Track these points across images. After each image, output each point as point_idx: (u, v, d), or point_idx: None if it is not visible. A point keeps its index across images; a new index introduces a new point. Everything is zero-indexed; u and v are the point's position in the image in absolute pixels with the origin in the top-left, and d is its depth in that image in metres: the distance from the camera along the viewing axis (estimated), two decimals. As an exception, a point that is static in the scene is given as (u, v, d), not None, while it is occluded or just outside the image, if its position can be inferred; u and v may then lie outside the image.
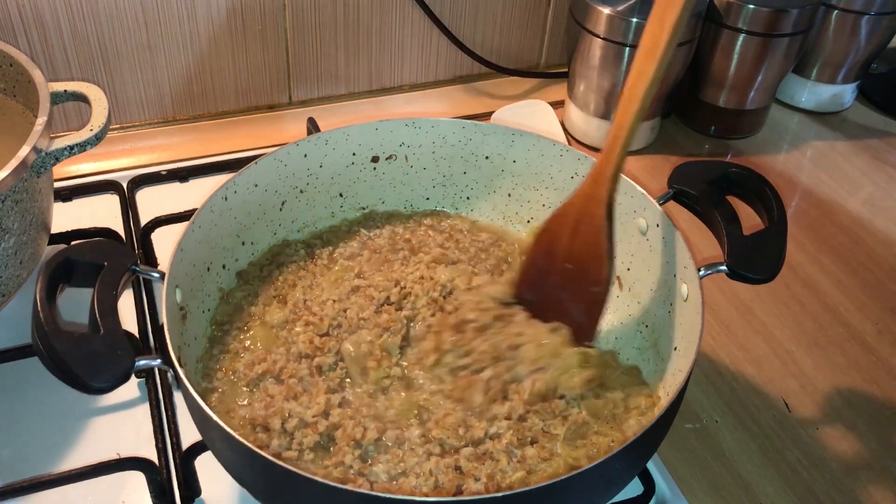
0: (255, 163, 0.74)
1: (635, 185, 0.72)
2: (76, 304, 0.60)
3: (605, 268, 0.67)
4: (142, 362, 0.55)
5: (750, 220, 0.68)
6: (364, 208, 0.83)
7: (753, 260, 0.64)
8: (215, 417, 0.52)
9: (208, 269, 0.71)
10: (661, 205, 0.70)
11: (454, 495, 0.58)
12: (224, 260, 0.73)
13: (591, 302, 0.68)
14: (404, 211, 0.84)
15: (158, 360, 0.56)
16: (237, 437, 0.52)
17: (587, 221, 0.67)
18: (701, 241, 0.84)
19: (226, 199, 0.71)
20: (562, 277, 0.69)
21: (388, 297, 0.71)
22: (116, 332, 0.55)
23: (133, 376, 0.72)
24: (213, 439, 0.57)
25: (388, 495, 0.50)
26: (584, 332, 0.68)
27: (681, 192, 0.70)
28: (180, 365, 0.56)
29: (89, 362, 0.52)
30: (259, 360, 0.67)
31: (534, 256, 0.72)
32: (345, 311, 0.70)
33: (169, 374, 0.57)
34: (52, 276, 0.57)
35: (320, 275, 0.75)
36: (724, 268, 0.64)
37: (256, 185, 0.75)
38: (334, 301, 0.71)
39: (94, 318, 0.55)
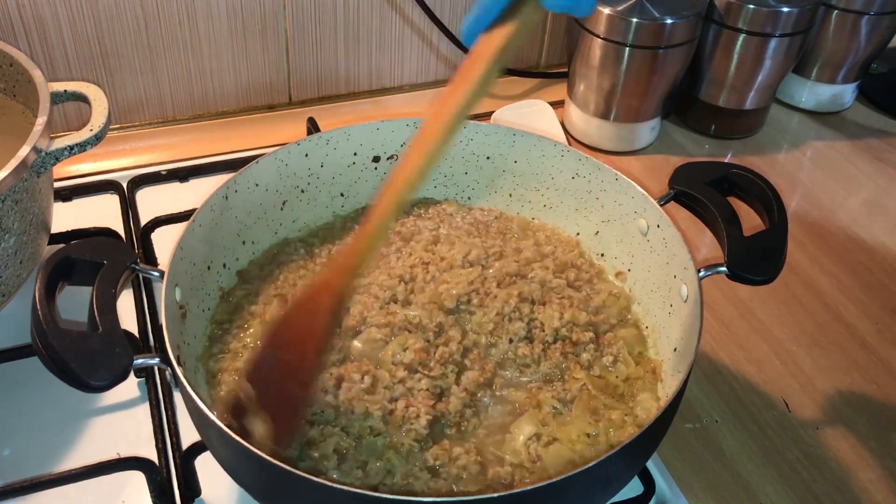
0: (256, 162, 0.74)
1: (636, 185, 0.72)
2: (75, 302, 0.60)
3: (312, 367, 0.58)
4: (140, 361, 0.55)
5: (750, 221, 0.68)
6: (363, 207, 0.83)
7: (754, 261, 0.64)
8: (213, 417, 0.52)
9: (208, 267, 0.71)
10: (661, 205, 0.70)
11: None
12: (224, 259, 0.73)
13: (289, 402, 0.58)
14: None
15: (157, 359, 0.56)
16: (235, 437, 0.52)
17: (317, 310, 0.58)
18: (701, 241, 0.84)
19: (226, 198, 0.71)
20: (279, 368, 0.59)
21: (393, 296, 0.71)
22: (115, 330, 0.55)
23: (133, 376, 0.73)
24: (211, 439, 0.57)
25: (387, 496, 0.50)
26: (276, 437, 0.57)
27: (681, 192, 0.70)
28: (179, 364, 0.56)
29: (88, 360, 0.52)
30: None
31: (265, 343, 0.60)
32: (348, 309, 0.70)
33: (168, 373, 0.57)
34: (52, 275, 0.57)
35: (320, 274, 0.75)
36: (724, 269, 0.64)
37: (257, 185, 0.75)
38: None
39: (93, 316, 0.55)
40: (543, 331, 0.69)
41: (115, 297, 0.57)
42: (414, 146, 0.56)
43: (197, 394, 0.54)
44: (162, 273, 0.61)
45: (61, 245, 0.82)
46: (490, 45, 0.55)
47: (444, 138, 0.56)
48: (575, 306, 0.71)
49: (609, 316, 0.73)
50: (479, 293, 0.71)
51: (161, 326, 0.58)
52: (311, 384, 0.59)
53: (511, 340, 0.68)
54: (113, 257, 0.60)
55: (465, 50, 1.10)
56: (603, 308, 0.73)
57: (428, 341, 0.67)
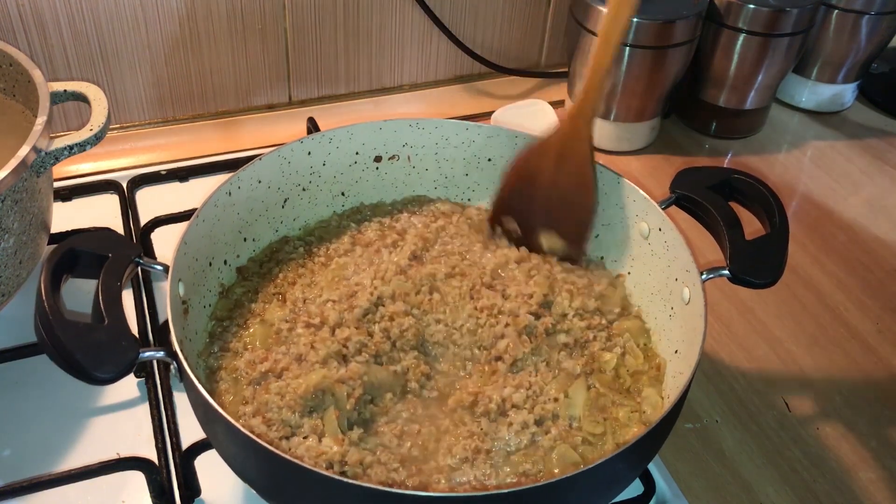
0: (259, 159, 0.74)
1: (638, 189, 0.72)
2: (76, 297, 0.60)
3: (592, 196, 0.74)
4: (146, 354, 0.54)
5: (752, 224, 0.68)
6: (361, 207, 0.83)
7: (755, 265, 0.64)
8: (220, 410, 0.52)
9: (210, 263, 0.71)
10: (663, 209, 0.70)
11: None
12: (225, 255, 0.73)
13: (577, 227, 0.75)
14: (387, 201, 0.84)
15: (162, 352, 0.56)
16: (243, 429, 0.51)
17: (571, 157, 0.73)
18: (702, 243, 0.84)
19: (229, 194, 0.71)
20: (545, 205, 0.75)
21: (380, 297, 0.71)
22: (121, 322, 0.54)
23: (133, 376, 0.73)
24: (216, 433, 0.57)
25: (393, 490, 0.50)
26: (570, 255, 0.76)
27: (683, 196, 0.70)
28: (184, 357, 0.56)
29: (94, 352, 0.52)
30: (260, 359, 0.67)
31: (513, 184, 0.77)
32: (349, 309, 0.70)
33: (172, 367, 0.57)
34: (57, 267, 0.57)
35: (319, 273, 0.75)
36: (726, 272, 0.64)
37: (260, 182, 0.75)
38: (333, 302, 0.71)
39: (98, 308, 0.55)
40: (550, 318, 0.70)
41: (120, 290, 0.57)
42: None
43: (203, 386, 0.54)
44: (166, 267, 0.61)
45: (61, 245, 0.83)
46: None
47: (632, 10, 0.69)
48: (583, 294, 0.72)
49: (613, 305, 0.73)
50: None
51: (163, 322, 0.58)
52: (595, 209, 0.75)
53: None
54: (117, 250, 0.60)
55: (465, 50, 1.10)
56: (605, 296, 0.74)
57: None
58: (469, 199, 0.84)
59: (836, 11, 1.08)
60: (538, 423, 0.63)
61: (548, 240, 0.76)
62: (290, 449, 0.59)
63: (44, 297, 0.54)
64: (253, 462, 0.55)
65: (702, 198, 0.69)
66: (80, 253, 0.59)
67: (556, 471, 0.60)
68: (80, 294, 0.59)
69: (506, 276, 0.74)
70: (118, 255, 0.59)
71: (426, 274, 0.72)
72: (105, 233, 0.66)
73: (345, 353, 0.66)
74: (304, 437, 0.60)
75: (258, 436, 0.56)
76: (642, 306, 0.74)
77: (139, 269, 0.62)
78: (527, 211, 0.76)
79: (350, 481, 0.50)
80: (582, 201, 0.74)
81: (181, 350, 0.56)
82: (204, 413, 0.56)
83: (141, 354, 0.54)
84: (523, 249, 0.76)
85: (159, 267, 0.62)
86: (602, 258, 0.78)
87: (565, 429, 0.63)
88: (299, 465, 0.50)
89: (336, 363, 0.65)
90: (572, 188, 0.74)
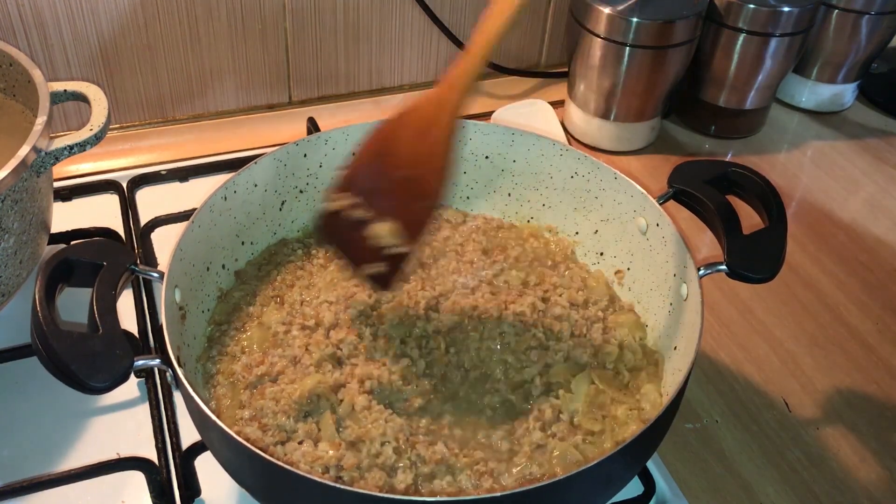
0: (255, 162, 0.74)
1: (635, 184, 0.72)
2: (75, 304, 0.60)
3: (439, 181, 0.61)
4: (140, 362, 0.54)
5: (750, 219, 0.68)
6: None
7: (753, 259, 0.64)
8: (214, 418, 0.52)
9: (207, 268, 0.71)
10: (660, 204, 0.70)
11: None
12: (224, 260, 0.73)
13: (417, 214, 0.62)
14: None
15: (157, 360, 0.56)
16: (236, 437, 0.52)
17: (430, 128, 0.61)
18: (701, 240, 0.84)
19: (225, 198, 0.71)
20: (393, 184, 0.63)
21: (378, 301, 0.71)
22: (115, 331, 0.55)
23: (133, 376, 0.73)
24: (212, 440, 0.57)
25: (388, 496, 0.50)
26: (408, 237, 0.63)
27: (681, 191, 0.70)
28: (179, 365, 0.56)
29: (88, 362, 0.52)
30: (257, 362, 0.67)
31: (366, 155, 0.65)
32: (345, 310, 0.70)
33: (168, 374, 0.57)
34: (52, 276, 0.57)
35: (317, 275, 0.75)
36: (723, 267, 0.64)
37: (256, 185, 0.75)
38: (330, 303, 0.71)
39: (93, 317, 0.55)
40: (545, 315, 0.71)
41: (115, 299, 0.57)
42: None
43: (198, 394, 0.54)
44: (161, 274, 0.61)
45: (61, 245, 0.83)
46: None
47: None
48: (570, 288, 0.73)
49: (600, 295, 0.74)
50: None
51: (161, 327, 0.58)
52: (440, 195, 0.62)
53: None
54: (112, 259, 0.60)
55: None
56: (589, 287, 0.75)
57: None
58: (468, 197, 0.84)
59: (836, 11, 1.08)
60: (542, 427, 0.63)
61: (380, 230, 0.63)
62: (285, 454, 0.60)
63: (38, 308, 0.54)
64: (248, 468, 0.55)
65: (699, 192, 0.68)
66: (74, 262, 0.59)
67: (557, 470, 0.60)
68: (80, 300, 0.59)
69: (502, 282, 0.75)
70: (113, 264, 0.59)
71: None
72: (100, 240, 0.66)
73: (339, 355, 0.66)
74: (300, 442, 0.60)
75: (253, 441, 0.56)
76: (641, 302, 0.74)
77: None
78: (370, 189, 0.64)
79: (344, 487, 0.50)
80: (429, 184, 0.62)
81: (177, 357, 0.56)
82: (199, 420, 0.56)
83: (136, 363, 0.54)
84: None
85: (155, 274, 0.62)
86: (602, 254, 0.78)
87: (566, 427, 0.63)
88: (293, 472, 0.50)
89: (331, 366, 0.65)
90: (421, 169, 0.62)
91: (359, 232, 0.64)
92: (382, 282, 0.65)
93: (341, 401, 0.63)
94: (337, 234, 0.66)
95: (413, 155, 0.62)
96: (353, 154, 0.66)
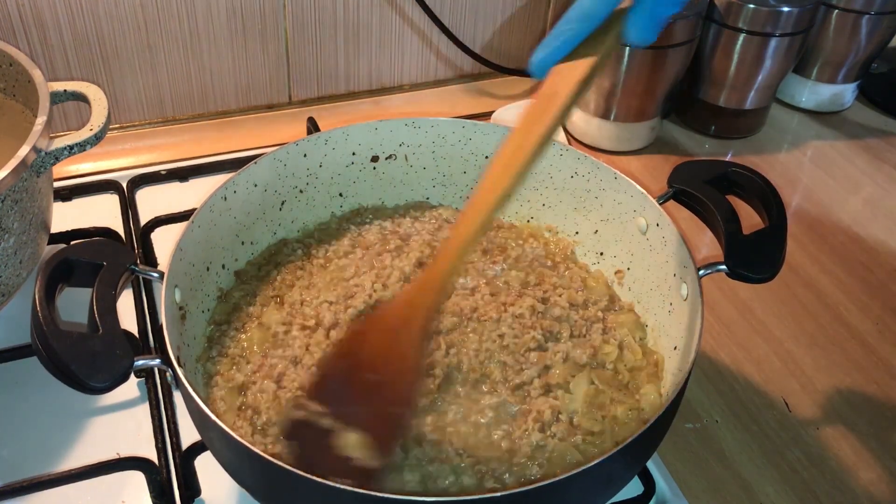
0: (255, 163, 0.74)
1: (635, 184, 0.72)
2: (75, 304, 0.60)
3: (412, 386, 0.58)
4: (140, 362, 0.54)
5: (750, 219, 0.68)
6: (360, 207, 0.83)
7: (753, 259, 0.64)
8: (214, 418, 0.52)
9: (207, 268, 0.71)
10: (660, 204, 0.70)
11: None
12: (223, 260, 0.73)
13: (388, 424, 0.57)
14: (389, 205, 0.84)
15: (158, 360, 0.56)
16: (236, 437, 0.52)
17: (402, 330, 0.58)
18: (701, 240, 0.84)
19: (225, 198, 0.71)
20: (364, 390, 0.58)
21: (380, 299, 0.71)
22: (115, 331, 0.55)
23: (133, 376, 0.73)
24: (212, 439, 0.57)
25: (388, 495, 0.49)
26: (378, 451, 0.56)
27: (680, 191, 0.70)
28: (179, 365, 0.56)
29: (88, 362, 0.52)
30: (257, 364, 0.67)
31: (337, 359, 0.61)
32: (345, 310, 0.70)
33: (168, 374, 0.57)
34: (51, 276, 0.57)
35: (317, 274, 0.75)
36: (723, 267, 0.64)
37: (256, 185, 0.75)
38: (330, 303, 0.71)
39: (93, 317, 0.55)
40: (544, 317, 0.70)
41: (114, 299, 0.57)
42: (497, 168, 0.55)
43: (198, 395, 0.54)
44: (161, 274, 0.61)
45: (61, 245, 0.83)
46: (569, 79, 0.54)
47: (529, 163, 0.54)
48: (569, 288, 0.73)
49: (599, 295, 0.74)
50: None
51: (161, 327, 0.58)
52: (414, 401, 0.59)
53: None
54: (112, 259, 0.60)
55: (465, 50, 1.10)
56: (588, 286, 0.75)
57: None
58: (468, 197, 0.84)
59: (836, 11, 1.08)
60: (542, 428, 0.63)
61: (350, 439, 0.56)
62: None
63: (38, 308, 0.54)
64: (248, 468, 0.55)
65: (699, 192, 0.68)
66: (74, 262, 0.59)
67: (557, 470, 0.60)
68: (81, 299, 0.59)
69: (502, 283, 0.75)
70: (113, 264, 0.59)
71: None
72: (100, 240, 0.66)
73: None
74: None
75: (252, 443, 0.56)
76: (641, 302, 0.74)
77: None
78: (340, 395, 0.58)
79: (344, 487, 0.50)
80: (400, 393, 0.57)
81: (177, 357, 0.56)
82: (200, 420, 0.56)
83: (136, 363, 0.54)
84: None
85: (155, 274, 0.62)
86: (602, 254, 0.78)
87: (566, 427, 0.63)
88: (293, 472, 0.50)
89: None
90: (392, 374, 0.57)
91: (326, 440, 0.57)
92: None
93: None
94: (302, 440, 0.58)
95: (385, 358, 0.58)
96: (325, 353, 0.64)
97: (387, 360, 0.58)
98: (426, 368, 0.61)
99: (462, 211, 0.57)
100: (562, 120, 0.55)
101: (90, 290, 0.57)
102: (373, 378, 0.58)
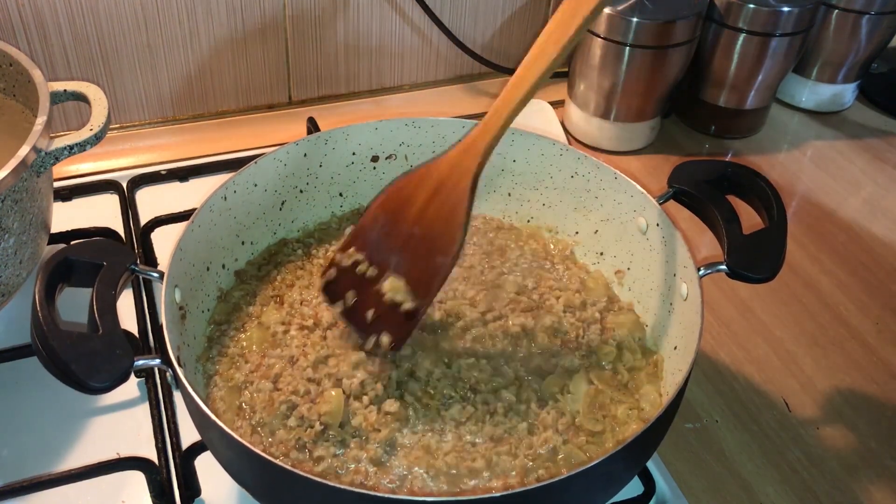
0: (255, 162, 0.74)
1: (635, 184, 0.72)
2: (75, 304, 0.60)
3: (458, 240, 0.63)
4: (140, 362, 0.54)
5: (750, 219, 0.68)
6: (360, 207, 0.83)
7: (753, 259, 0.64)
8: (214, 417, 0.52)
9: (207, 268, 0.71)
10: (660, 204, 0.70)
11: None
12: (224, 260, 0.73)
13: (432, 271, 0.64)
14: None
15: (158, 360, 0.56)
16: (236, 437, 0.52)
17: (448, 189, 0.64)
18: (701, 240, 0.84)
19: (225, 198, 0.71)
20: (406, 241, 0.65)
21: None
22: (115, 331, 0.55)
23: (133, 376, 0.73)
24: (211, 439, 0.57)
25: (388, 495, 0.50)
26: (412, 307, 0.64)
27: (680, 191, 0.70)
28: (179, 365, 0.56)
29: (88, 362, 0.52)
30: (255, 364, 0.67)
31: (379, 212, 0.67)
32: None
33: (168, 374, 0.57)
34: (51, 276, 0.57)
35: (317, 275, 0.75)
36: (723, 267, 0.64)
37: (256, 185, 0.75)
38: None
39: (93, 317, 0.55)
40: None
41: (114, 299, 0.57)
42: (543, 39, 0.62)
43: (198, 394, 0.54)
44: (161, 274, 0.61)
45: (61, 245, 0.83)
46: None
47: (575, 36, 0.60)
48: (567, 290, 0.73)
49: (598, 296, 0.74)
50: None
51: (161, 327, 0.58)
52: (457, 252, 0.63)
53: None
54: (112, 259, 0.60)
55: (465, 50, 1.10)
56: (587, 288, 0.75)
57: None
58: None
59: (836, 11, 1.08)
60: (543, 429, 0.63)
61: (392, 285, 0.64)
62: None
63: (38, 308, 0.54)
64: (248, 468, 0.55)
65: (699, 192, 0.68)
66: (74, 262, 0.59)
67: (559, 471, 0.60)
68: (81, 300, 0.59)
69: (501, 285, 0.75)
70: (113, 263, 0.59)
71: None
72: (100, 240, 0.66)
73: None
74: None
75: (252, 442, 0.56)
76: (641, 302, 0.74)
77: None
78: (381, 247, 0.66)
79: (344, 487, 0.50)
80: (444, 245, 0.63)
81: (178, 357, 0.56)
82: (200, 420, 0.56)
83: (136, 363, 0.54)
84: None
85: (155, 274, 0.62)
86: (602, 254, 0.78)
87: (568, 428, 0.63)
88: (293, 472, 0.50)
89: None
90: (438, 228, 0.64)
91: (366, 292, 0.65)
92: (391, 344, 0.65)
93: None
94: (342, 295, 0.67)
95: (430, 214, 0.64)
96: (362, 213, 0.68)
97: (434, 215, 0.64)
98: (468, 224, 0.64)
99: (509, 80, 0.63)
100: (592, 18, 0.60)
101: (90, 290, 0.57)
102: (420, 232, 0.64)
